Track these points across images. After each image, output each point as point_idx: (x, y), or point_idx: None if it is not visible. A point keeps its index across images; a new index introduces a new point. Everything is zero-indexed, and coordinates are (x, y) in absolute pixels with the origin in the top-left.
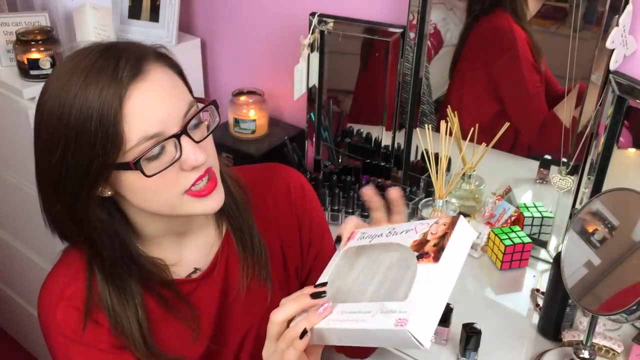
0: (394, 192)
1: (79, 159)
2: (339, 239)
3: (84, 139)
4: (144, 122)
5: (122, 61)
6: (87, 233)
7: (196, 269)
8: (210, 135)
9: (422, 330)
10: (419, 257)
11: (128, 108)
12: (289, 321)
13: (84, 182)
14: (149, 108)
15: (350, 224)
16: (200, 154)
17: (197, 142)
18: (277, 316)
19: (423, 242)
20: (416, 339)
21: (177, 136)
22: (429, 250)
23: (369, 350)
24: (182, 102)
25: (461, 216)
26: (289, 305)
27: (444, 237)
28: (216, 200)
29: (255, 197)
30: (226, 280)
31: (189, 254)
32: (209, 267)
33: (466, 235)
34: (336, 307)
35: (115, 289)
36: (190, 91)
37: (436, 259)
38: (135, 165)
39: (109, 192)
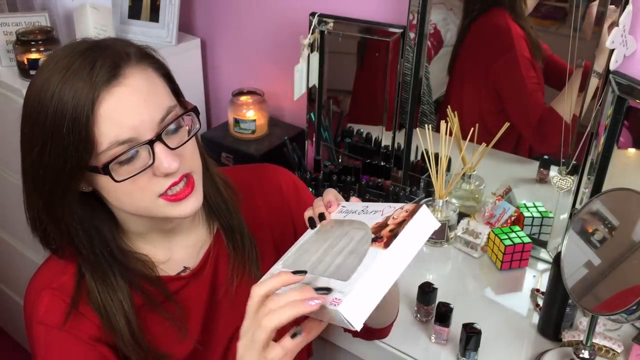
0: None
1: (55, 158)
2: (311, 221)
3: (59, 140)
4: (115, 127)
5: (99, 64)
6: (65, 230)
7: (186, 268)
8: (193, 140)
9: (353, 312)
10: (373, 240)
11: (99, 113)
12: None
13: (59, 180)
14: (121, 114)
15: (330, 195)
16: (174, 162)
17: (173, 149)
18: (259, 289)
19: (383, 225)
20: (347, 320)
21: (150, 143)
22: (384, 234)
23: (382, 332)
24: (159, 108)
25: (424, 206)
26: (271, 280)
27: (402, 224)
28: (192, 204)
29: (246, 198)
30: (215, 279)
31: (179, 252)
32: (199, 265)
33: (426, 225)
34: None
35: (100, 284)
36: (177, 93)
37: (387, 245)
38: (104, 170)
39: (90, 188)
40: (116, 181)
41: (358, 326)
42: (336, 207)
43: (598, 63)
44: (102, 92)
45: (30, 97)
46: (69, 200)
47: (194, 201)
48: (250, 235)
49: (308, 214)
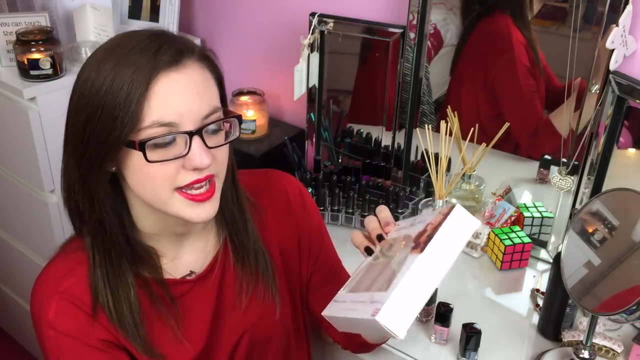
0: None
1: (101, 128)
2: (368, 250)
3: (109, 110)
4: (162, 108)
5: (165, 47)
6: (97, 207)
7: (192, 272)
8: (227, 147)
9: (392, 320)
10: (413, 248)
11: (153, 90)
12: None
13: (100, 151)
14: (172, 97)
15: (386, 212)
16: (206, 158)
17: (209, 147)
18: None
19: (422, 232)
20: (387, 328)
21: (190, 134)
22: (422, 240)
23: (371, 347)
24: (207, 104)
25: (457, 205)
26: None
27: (437, 227)
28: (207, 211)
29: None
30: (222, 285)
31: (186, 256)
32: (205, 270)
33: (463, 225)
34: (350, 296)
35: (112, 270)
36: (224, 103)
37: (422, 249)
38: (140, 146)
39: (113, 168)
40: (148, 161)
41: (401, 334)
42: (393, 226)
43: (597, 63)
44: (161, 72)
45: (88, 66)
46: (104, 174)
47: (210, 208)
48: (267, 254)
49: (361, 242)
